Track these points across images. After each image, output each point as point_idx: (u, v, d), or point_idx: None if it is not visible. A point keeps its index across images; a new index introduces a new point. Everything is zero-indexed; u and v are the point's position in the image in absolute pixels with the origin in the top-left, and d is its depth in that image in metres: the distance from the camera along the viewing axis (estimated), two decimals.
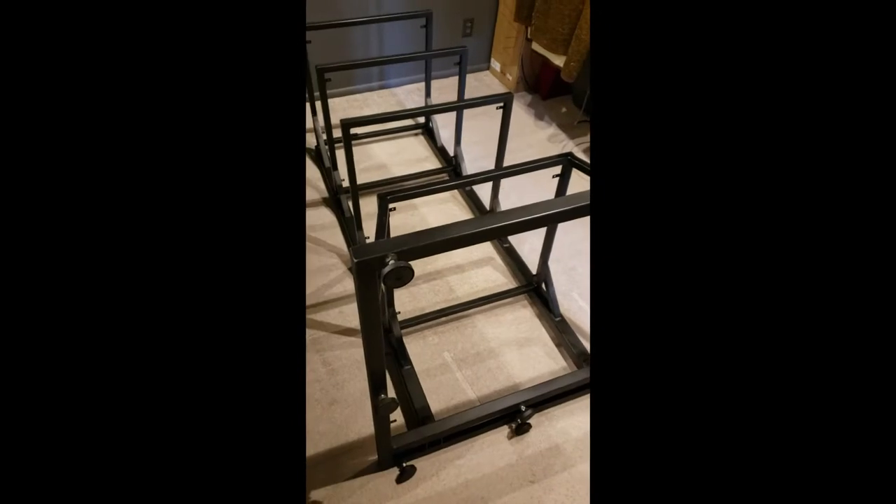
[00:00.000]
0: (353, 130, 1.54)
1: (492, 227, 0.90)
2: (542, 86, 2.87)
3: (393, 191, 1.27)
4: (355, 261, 0.82)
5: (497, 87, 2.96)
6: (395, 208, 1.26)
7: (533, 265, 1.90)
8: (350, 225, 1.96)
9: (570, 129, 2.69)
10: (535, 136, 2.62)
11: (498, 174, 1.54)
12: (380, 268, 0.83)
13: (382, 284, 0.82)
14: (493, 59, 3.05)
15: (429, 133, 2.52)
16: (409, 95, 2.86)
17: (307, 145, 2.44)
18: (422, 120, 2.57)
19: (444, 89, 2.86)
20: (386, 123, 2.47)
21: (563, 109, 2.84)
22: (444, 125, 2.55)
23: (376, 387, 1.07)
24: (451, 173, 2.29)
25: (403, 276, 0.82)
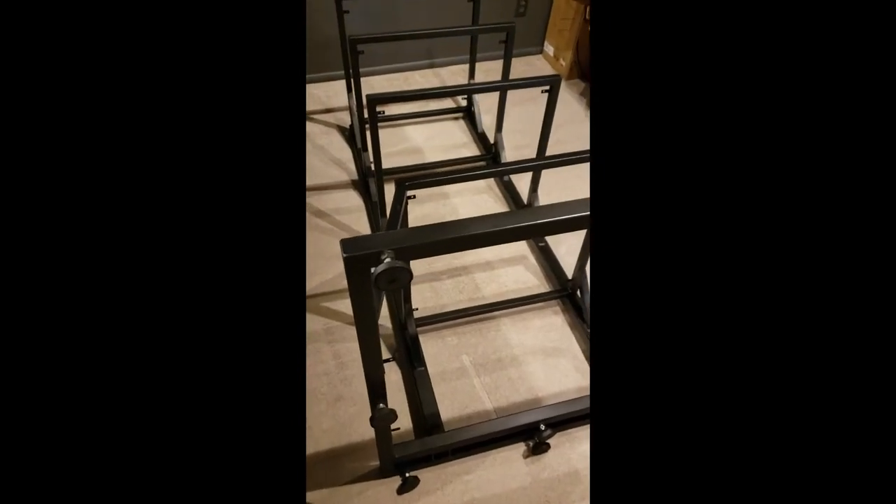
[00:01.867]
0: (381, 108, 1.41)
1: (514, 227, 0.75)
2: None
3: (413, 177, 1.14)
4: (345, 255, 0.70)
5: (548, 73, 2.77)
6: (414, 196, 1.14)
7: (569, 268, 1.73)
8: (375, 210, 1.85)
9: None
10: (584, 126, 2.42)
11: (537, 164, 1.39)
12: (374, 266, 0.71)
13: (375, 286, 0.69)
14: (546, 43, 2.86)
15: (470, 118, 2.37)
16: (453, 77, 2.71)
17: (343, 124, 2.34)
18: (464, 102, 2.42)
19: (492, 72, 2.69)
20: (422, 103, 2.33)
21: None
22: (486, 109, 2.39)
23: (374, 395, 0.96)
24: (489, 162, 2.14)
25: (399, 279, 0.69)
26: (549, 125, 1.60)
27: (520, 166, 1.32)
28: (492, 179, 2.10)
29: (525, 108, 2.49)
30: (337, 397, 1.43)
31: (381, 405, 0.97)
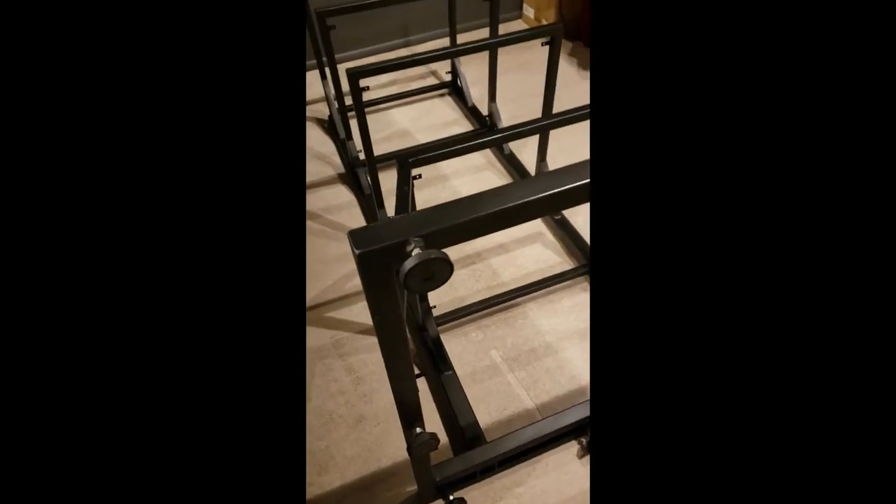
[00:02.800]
0: (365, 83, 1.23)
1: (574, 187, 0.57)
2: (584, 30, 2.48)
3: (415, 152, 0.96)
4: (357, 252, 0.52)
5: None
6: (419, 176, 0.96)
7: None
8: (370, 203, 1.67)
9: None
10: (579, 87, 2.25)
11: (546, 123, 1.22)
12: (397, 262, 0.53)
13: (405, 288, 0.52)
14: (525, 5, 2.67)
15: (457, 92, 2.19)
16: None
17: (320, 116, 2.15)
18: (448, 77, 2.23)
19: None
20: (404, 83, 2.14)
21: None
22: (473, 81, 2.21)
23: (409, 419, 0.79)
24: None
25: (437, 274, 0.52)
26: (553, 83, 1.43)
27: (531, 128, 1.14)
28: (492, 156, 1.93)
29: (516, 76, 2.30)
30: (358, 418, 1.26)
31: (419, 429, 0.80)
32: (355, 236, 0.54)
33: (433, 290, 0.54)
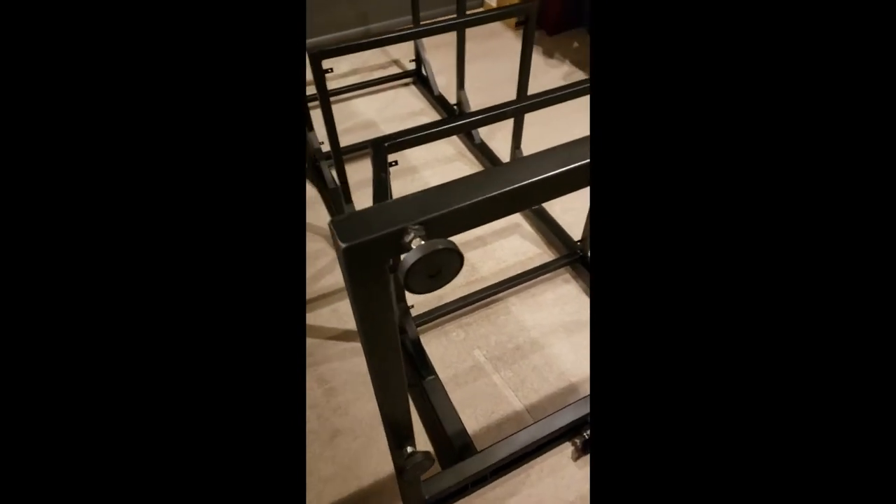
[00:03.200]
0: (328, 65, 1.11)
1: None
2: (547, 18, 2.42)
3: (390, 137, 0.85)
4: (343, 246, 0.42)
5: (492, 27, 2.51)
6: (396, 162, 0.86)
7: (570, 228, 1.50)
8: (336, 198, 1.55)
9: (588, 66, 2.25)
10: (546, 76, 2.19)
11: (524, 105, 1.13)
12: (393, 256, 0.43)
13: (406, 288, 0.42)
14: None
15: (422, 82, 2.08)
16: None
17: None
18: (412, 66, 2.12)
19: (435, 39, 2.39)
20: (367, 66, 2.02)
21: (575, 44, 2.40)
22: (438, 70, 2.11)
23: (398, 439, 0.69)
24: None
25: (446, 269, 0.42)
26: (527, 64, 1.35)
27: (507, 109, 1.06)
28: (461, 145, 1.84)
29: (482, 64, 2.22)
30: (333, 433, 1.15)
31: (411, 449, 0.70)
32: (339, 227, 0.44)
33: (439, 288, 0.45)
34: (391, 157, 0.90)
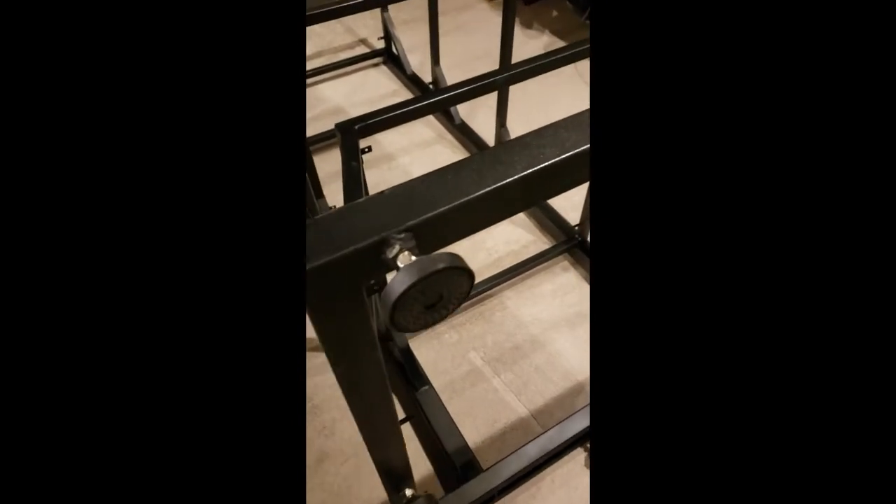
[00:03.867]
0: None
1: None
2: None
3: (360, 119, 0.72)
4: (308, 266, 0.29)
5: (462, 1, 2.35)
6: (369, 148, 0.72)
7: (565, 212, 1.39)
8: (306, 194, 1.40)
9: (569, 35, 2.13)
10: (526, 48, 2.06)
11: (508, 76, 1.01)
12: (373, 277, 0.30)
13: (392, 326, 0.29)
14: None
15: (393, 61, 1.93)
16: (359, 19, 2.24)
17: None
18: (381, 44, 1.97)
19: (405, 10, 2.23)
20: (331, 48, 1.87)
21: (555, 13, 2.27)
22: (409, 49, 1.96)
23: (395, 482, 0.57)
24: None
25: (450, 294, 0.29)
26: (510, 30, 1.21)
27: (492, 80, 0.93)
28: (441, 127, 1.70)
29: (455, 39, 2.07)
30: (320, 456, 1.03)
31: (410, 492, 0.58)
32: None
33: (440, 321, 0.32)
34: (363, 143, 0.77)
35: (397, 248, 0.30)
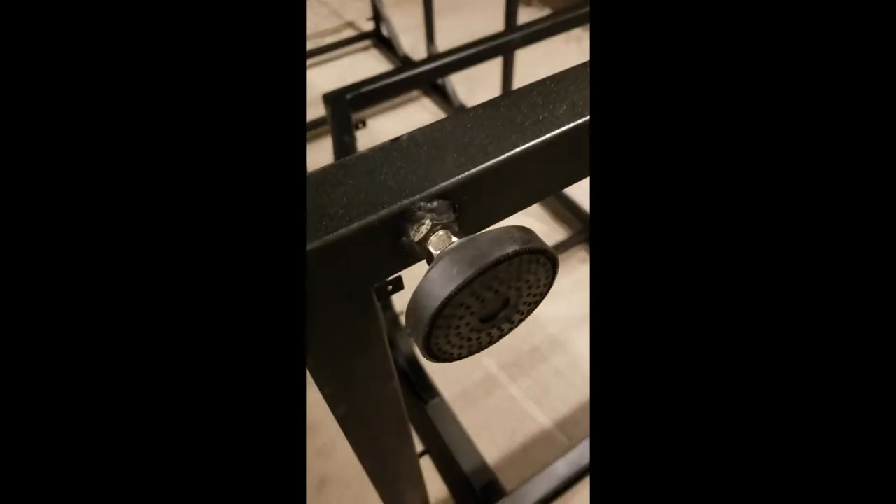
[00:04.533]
0: None
1: None
2: None
3: (350, 87, 0.60)
4: (309, 247, 0.16)
5: None
6: (364, 123, 0.60)
7: (580, 197, 1.27)
8: None
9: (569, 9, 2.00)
10: (525, 16, 1.93)
11: (514, 38, 0.90)
12: (388, 271, 0.18)
13: (424, 352, 0.17)
14: None
15: (384, 43, 1.80)
16: (346, 2, 2.11)
17: None
18: (371, 26, 1.84)
19: None
20: (318, 32, 1.74)
21: None
22: (402, 30, 1.83)
23: None
24: (427, 87, 1.60)
25: (524, 295, 0.17)
26: None
27: (502, 40, 0.82)
28: (438, 110, 1.58)
29: (450, 20, 1.95)
30: (320, 481, 0.91)
31: None
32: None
33: (495, 342, 0.20)
34: (356, 118, 0.65)
35: (428, 223, 0.18)
